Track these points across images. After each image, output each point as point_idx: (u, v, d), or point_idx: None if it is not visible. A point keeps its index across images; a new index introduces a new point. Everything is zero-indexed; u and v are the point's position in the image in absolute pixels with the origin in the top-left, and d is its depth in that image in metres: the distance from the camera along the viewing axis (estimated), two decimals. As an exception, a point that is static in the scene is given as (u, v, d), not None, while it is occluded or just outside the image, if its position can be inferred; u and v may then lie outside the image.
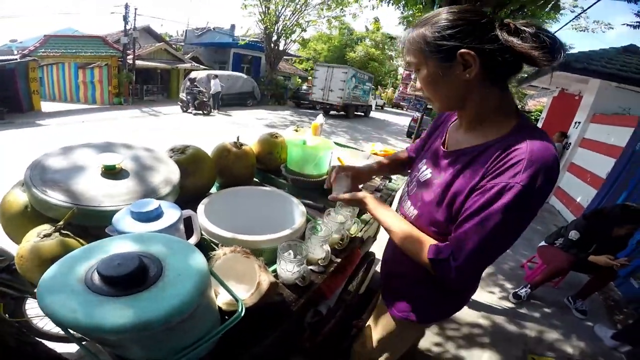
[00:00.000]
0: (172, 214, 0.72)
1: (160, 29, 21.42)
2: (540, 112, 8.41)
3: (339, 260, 1.02)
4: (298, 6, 14.42)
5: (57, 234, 0.69)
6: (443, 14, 0.63)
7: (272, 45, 15.36)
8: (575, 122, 5.45)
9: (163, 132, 7.28)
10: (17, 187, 0.83)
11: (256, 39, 16.47)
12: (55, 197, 0.71)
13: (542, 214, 4.95)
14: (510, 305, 2.50)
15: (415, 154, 1.07)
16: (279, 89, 16.86)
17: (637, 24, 3.13)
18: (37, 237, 0.69)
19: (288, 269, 0.80)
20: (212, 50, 18.69)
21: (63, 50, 11.09)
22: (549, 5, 4.24)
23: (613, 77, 4.49)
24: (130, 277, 0.46)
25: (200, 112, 10.37)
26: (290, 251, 0.81)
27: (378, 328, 1.05)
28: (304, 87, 17.54)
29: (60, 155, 0.82)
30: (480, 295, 2.58)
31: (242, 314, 0.62)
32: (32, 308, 1.35)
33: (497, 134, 0.66)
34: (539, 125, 6.96)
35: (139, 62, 12.46)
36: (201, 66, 15.42)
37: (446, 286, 0.71)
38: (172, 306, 0.46)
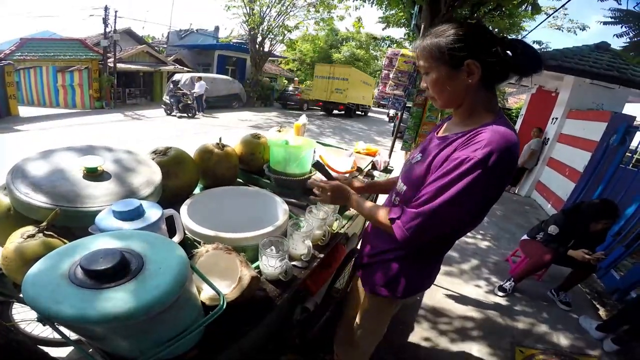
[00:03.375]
0: (153, 213, 0.74)
1: (142, 32, 21.02)
2: (520, 109, 8.67)
3: (322, 255, 1.05)
4: (284, 7, 14.41)
5: (40, 234, 0.70)
6: (455, 29, 0.76)
7: (257, 46, 15.30)
8: (553, 118, 5.65)
9: (147, 135, 7.17)
10: (-2, 191, 0.83)
11: (240, 41, 16.37)
12: (38, 199, 0.72)
13: (524, 207, 5.12)
14: (496, 298, 2.57)
15: None
16: (265, 91, 16.80)
17: (609, 20, 3.30)
18: (20, 238, 0.70)
19: (270, 264, 0.82)
20: (196, 53, 18.46)
21: (41, 54, 10.76)
22: (527, 5, 4.39)
23: (585, 74, 4.68)
24: (112, 271, 0.48)
25: (185, 114, 10.24)
26: (272, 247, 0.84)
27: (354, 307, 1.17)
28: (290, 88, 17.54)
29: (41, 159, 0.83)
30: (467, 288, 2.64)
31: (224, 307, 0.65)
32: (18, 313, 1.34)
33: (477, 124, 0.78)
34: (519, 121, 7.18)
35: (120, 65, 12.20)
36: (185, 68, 15.22)
37: (401, 245, 0.87)
38: (153, 296, 0.48)
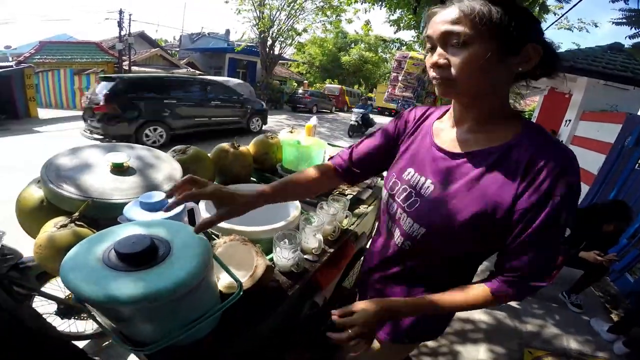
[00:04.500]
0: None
1: (154, 35, 21.49)
2: (533, 112, 8.56)
3: (331, 250, 1.09)
4: (293, 11, 14.56)
5: (72, 224, 0.76)
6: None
7: (268, 50, 15.49)
8: (566, 120, 5.58)
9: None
10: (32, 185, 0.90)
11: (251, 44, 16.59)
12: (70, 191, 0.78)
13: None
14: (505, 300, 2.57)
15: (355, 166, 0.85)
16: (275, 94, 16.97)
17: (621, 21, 3.24)
18: (54, 227, 0.76)
19: (284, 255, 0.87)
20: (208, 56, 18.80)
21: (59, 57, 11.15)
22: (536, 5, 4.35)
23: (598, 75, 4.62)
24: (143, 255, 0.53)
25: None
26: (286, 240, 0.88)
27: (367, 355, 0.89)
28: (300, 90, 17.67)
29: (71, 155, 0.89)
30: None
31: (241, 293, 0.69)
32: (40, 306, 1.41)
33: (511, 133, 0.61)
34: (532, 124, 7.09)
35: (134, 68, 12.54)
36: (197, 72, 15.51)
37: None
38: (180, 278, 0.53)
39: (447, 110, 0.75)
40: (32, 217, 0.87)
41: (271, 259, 0.92)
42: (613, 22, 3.70)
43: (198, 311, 0.65)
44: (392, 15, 7.59)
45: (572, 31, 9.50)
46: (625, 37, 3.24)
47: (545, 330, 2.26)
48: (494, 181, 0.60)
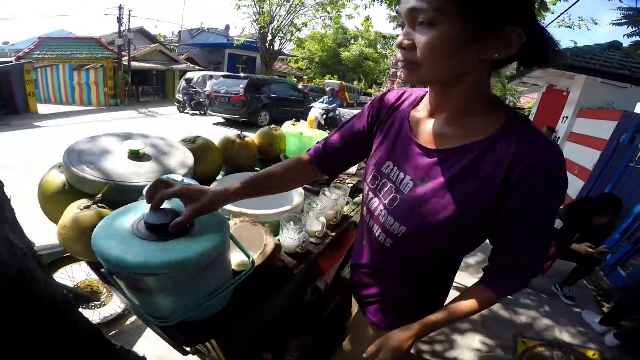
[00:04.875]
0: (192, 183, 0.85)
1: (154, 30, 21.45)
2: (532, 109, 8.63)
3: (334, 234, 1.15)
4: (293, 7, 14.55)
5: (95, 206, 0.82)
6: None
7: (267, 45, 15.48)
8: (564, 117, 5.64)
9: (162, 132, 7.38)
10: (54, 170, 0.96)
11: (251, 40, 16.58)
12: (93, 175, 0.84)
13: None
14: (500, 292, 2.64)
15: (331, 157, 0.81)
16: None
17: (621, 21, 3.29)
18: (77, 209, 0.82)
19: (290, 236, 0.93)
20: (207, 51, 18.77)
21: (58, 53, 11.15)
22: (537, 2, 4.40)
23: (595, 73, 4.68)
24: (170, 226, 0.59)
25: (197, 112, 10.48)
26: (292, 221, 0.95)
27: (360, 342, 0.90)
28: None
29: (90, 142, 0.95)
30: (472, 281, 2.70)
31: (253, 268, 0.75)
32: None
33: (492, 127, 0.57)
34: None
35: (134, 64, 12.54)
36: (197, 67, 15.50)
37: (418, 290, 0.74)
38: (203, 249, 0.59)
39: (424, 96, 0.69)
40: (54, 200, 0.93)
41: (278, 240, 0.98)
42: (613, 24, 3.77)
43: (215, 285, 0.71)
44: (393, 11, 7.61)
45: (573, 29, 9.57)
46: (624, 36, 3.29)
47: (539, 321, 2.32)
48: (475, 180, 0.56)
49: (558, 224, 2.51)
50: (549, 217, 0.57)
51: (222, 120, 9.39)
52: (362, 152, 0.81)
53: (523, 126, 0.56)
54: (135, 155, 0.93)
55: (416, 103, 0.71)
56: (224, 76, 9.79)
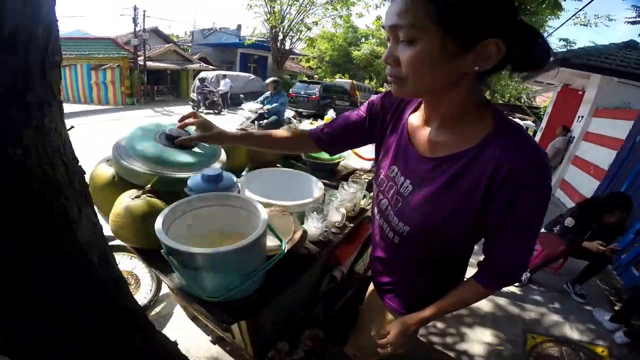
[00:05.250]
0: (229, 179, 0.95)
1: (167, 30, 21.83)
2: (547, 108, 8.50)
3: (351, 225, 1.24)
4: (303, 6, 14.62)
5: (144, 196, 0.92)
6: None
7: (279, 44, 15.61)
8: (579, 117, 5.57)
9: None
10: (102, 163, 1.07)
11: (262, 39, 16.74)
12: (140, 167, 0.94)
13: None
14: (511, 288, 2.64)
15: (329, 135, 0.91)
16: (286, 88, 17.14)
17: (635, 19, 3.27)
18: (128, 198, 0.92)
19: (313, 225, 1.02)
20: (220, 51, 19.03)
21: (76, 52, 11.47)
22: (547, 4, 4.36)
23: (611, 72, 4.62)
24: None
25: (211, 111, 10.69)
26: (315, 212, 1.04)
27: (376, 322, 0.99)
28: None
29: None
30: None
31: (285, 251, 0.84)
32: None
33: (480, 133, 0.60)
34: (545, 120, 7.08)
35: (149, 63, 12.82)
36: (210, 66, 15.75)
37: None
38: (194, 159, 0.68)
39: (422, 101, 0.72)
40: (103, 192, 1.04)
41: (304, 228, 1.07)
42: (627, 22, 3.71)
43: (252, 267, 0.80)
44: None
45: (589, 27, 9.37)
46: (639, 35, 3.26)
47: (549, 318, 2.35)
48: (465, 185, 0.61)
49: (569, 222, 2.53)
50: (531, 217, 0.60)
51: (240, 120, 9.61)
52: (355, 141, 0.93)
53: (509, 132, 0.58)
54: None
55: (415, 108, 0.75)
56: (300, 81, 13.92)
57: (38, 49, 0.39)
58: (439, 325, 2.11)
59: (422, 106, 0.71)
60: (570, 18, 5.70)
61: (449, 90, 0.59)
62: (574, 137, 5.53)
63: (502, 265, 0.68)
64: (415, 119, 0.73)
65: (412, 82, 0.56)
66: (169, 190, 0.97)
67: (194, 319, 1.74)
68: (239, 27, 20.62)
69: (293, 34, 15.77)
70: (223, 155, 1.15)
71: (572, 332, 2.23)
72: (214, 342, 1.62)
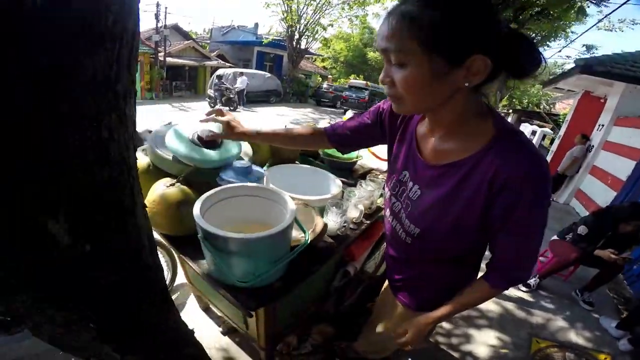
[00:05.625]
0: (258, 172, 1.03)
1: (187, 27, 22.22)
2: (567, 115, 8.31)
3: (368, 222, 1.29)
4: (319, 5, 14.67)
5: (178, 184, 0.99)
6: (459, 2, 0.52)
7: (294, 44, 15.71)
8: (599, 125, 5.44)
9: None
10: (138, 152, 1.15)
11: (278, 38, 16.89)
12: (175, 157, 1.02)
13: (561, 214, 5.01)
14: (519, 293, 2.65)
15: (341, 136, 0.96)
16: (300, 87, 17.25)
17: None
18: (163, 186, 1.00)
19: (333, 219, 1.08)
20: (237, 49, 19.28)
21: (101, 47, 11.81)
22: (574, 10, 4.30)
23: (636, 80, 4.50)
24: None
25: (227, 108, 10.86)
26: (334, 207, 1.09)
27: (389, 318, 1.05)
28: (325, 85, 17.83)
29: (169, 129, 1.12)
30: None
31: (308, 242, 0.90)
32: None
33: (482, 141, 0.63)
34: (563, 127, 6.93)
35: (168, 59, 13.10)
36: (227, 64, 15.98)
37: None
38: (222, 156, 0.75)
39: None
40: (139, 179, 1.12)
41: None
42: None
43: (278, 255, 0.86)
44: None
45: (614, 31, 9.11)
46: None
47: (555, 323, 2.36)
48: (466, 191, 0.64)
49: (582, 230, 2.52)
50: (530, 221, 0.63)
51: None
52: (365, 142, 0.97)
53: (508, 140, 0.61)
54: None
55: (422, 116, 0.78)
56: (349, 86, 16.22)
57: (128, 43, 0.42)
58: (446, 325, 2.14)
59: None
60: (595, 24, 5.57)
61: (446, 104, 0.61)
62: (593, 145, 5.41)
63: (505, 266, 0.71)
64: (422, 127, 0.76)
65: (408, 101, 0.60)
66: (200, 180, 1.04)
67: (206, 310, 1.78)
68: (256, 25, 20.83)
69: (309, 34, 15.85)
70: (250, 150, 1.22)
71: (577, 339, 2.23)
72: (224, 333, 1.67)
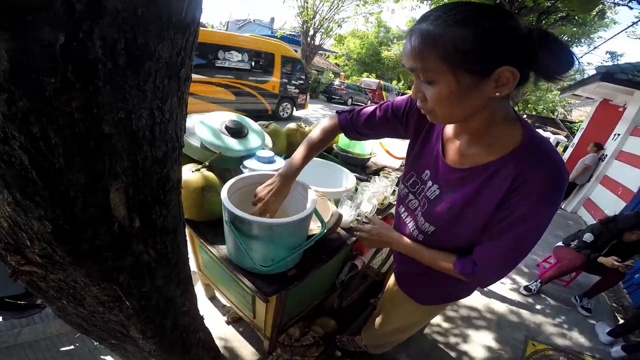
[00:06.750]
0: (280, 162, 1.08)
1: (204, 19, 22.36)
2: (582, 123, 8.17)
3: (379, 217, 1.33)
4: (335, 3, 14.60)
5: (203, 169, 1.05)
6: (476, 16, 0.52)
7: (309, 40, 15.69)
8: (615, 134, 5.35)
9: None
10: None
11: (293, 33, 16.86)
12: (202, 144, 1.08)
13: (567, 222, 4.98)
14: (520, 297, 2.69)
15: (357, 128, 0.95)
16: (312, 83, 17.25)
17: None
18: (189, 171, 1.06)
19: (347, 211, 1.13)
20: (251, 42, 19.32)
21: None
22: (595, 15, 4.23)
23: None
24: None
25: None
26: (348, 200, 1.14)
27: (394, 310, 1.10)
28: (336, 82, 17.77)
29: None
30: (493, 285, 2.78)
31: (324, 232, 0.95)
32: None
33: (508, 147, 0.64)
34: (578, 135, 6.83)
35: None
36: (241, 56, 16.01)
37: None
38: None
39: None
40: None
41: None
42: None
43: (296, 242, 0.92)
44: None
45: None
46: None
47: (552, 327, 2.40)
48: (486, 195, 0.66)
49: (588, 237, 2.54)
50: (522, 224, 0.63)
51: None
52: (380, 135, 0.96)
53: (533, 148, 0.62)
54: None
55: None
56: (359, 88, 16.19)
57: (194, 31, 0.44)
58: (444, 324, 2.17)
59: None
60: (624, 30, 5.46)
61: (476, 114, 0.62)
62: (606, 155, 5.33)
63: (479, 258, 0.70)
64: (448, 129, 0.77)
65: (440, 115, 0.62)
66: (223, 167, 1.10)
67: (212, 299, 1.83)
68: (272, 20, 20.89)
69: (323, 30, 15.81)
70: (270, 141, 1.28)
71: (573, 343, 2.27)
72: (228, 322, 1.72)
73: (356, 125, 0.94)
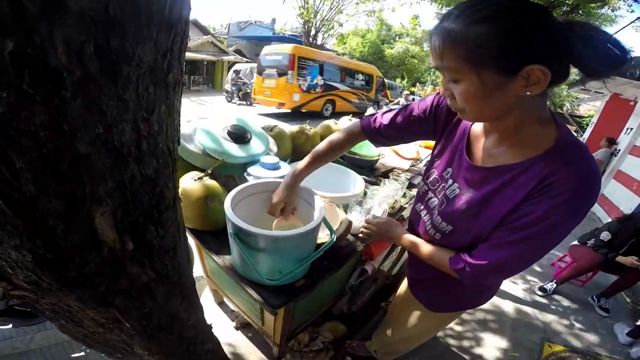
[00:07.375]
0: (285, 168, 1.03)
1: (204, 21, 22.49)
2: (592, 118, 8.00)
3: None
4: (335, 2, 14.58)
5: (206, 177, 1.01)
6: (505, 11, 0.49)
7: (310, 39, 15.68)
8: (627, 129, 5.22)
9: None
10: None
11: (295, 34, 16.87)
12: (204, 151, 1.04)
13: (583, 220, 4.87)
14: (535, 297, 2.62)
15: (382, 133, 0.90)
16: (315, 83, 17.22)
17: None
18: (191, 180, 1.02)
19: (356, 217, 1.08)
20: (254, 44, 19.38)
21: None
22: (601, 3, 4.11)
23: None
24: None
25: (244, 102, 10.97)
26: (358, 205, 1.09)
27: (404, 316, 1.06)
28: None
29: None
30: (507, 285, 2.70)
31: (334, 240, 0.90)
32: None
33: (539, 149, 0.60)
34: (588, 130, 6.69)
35: (187, 54, 13.12)
36: (244, 59, 16.09)
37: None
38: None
39: None
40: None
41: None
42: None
43: (304, 254, 0.87)
44: (441, 11, 7.43)
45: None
46: None
47: (569, 328, 2.33)
48: (507, 194, 0.62)
49: (605, 235, 2.46)
50: (536, 225, 0.59)
51: (267, 112, 9.86)
52: (409, 137, 0.91)
53: (569, 151, 0.58)
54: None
55: None
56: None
57: (181, 31, 0.40)
58: (457, 328, 2.12)
59: None
60: (630, 24, 5.31)
61: (509, 112, 0.59)
62: (619, 150, 5.20)
63: (478, 256, 0.67)
64: (478, 127, 0.74)
65: (470, 113, 0.60)
66: (226, 174, 1.06)
67: (220, 304, 1.80)
68: (274, 20, 20.90)
69: (325, 30, 15.79)
70: (274, 145, 1.23)
71: (590, 344, 2.20)
72: (237, 328, 1.69)
73: (379, 128, 0.89)
